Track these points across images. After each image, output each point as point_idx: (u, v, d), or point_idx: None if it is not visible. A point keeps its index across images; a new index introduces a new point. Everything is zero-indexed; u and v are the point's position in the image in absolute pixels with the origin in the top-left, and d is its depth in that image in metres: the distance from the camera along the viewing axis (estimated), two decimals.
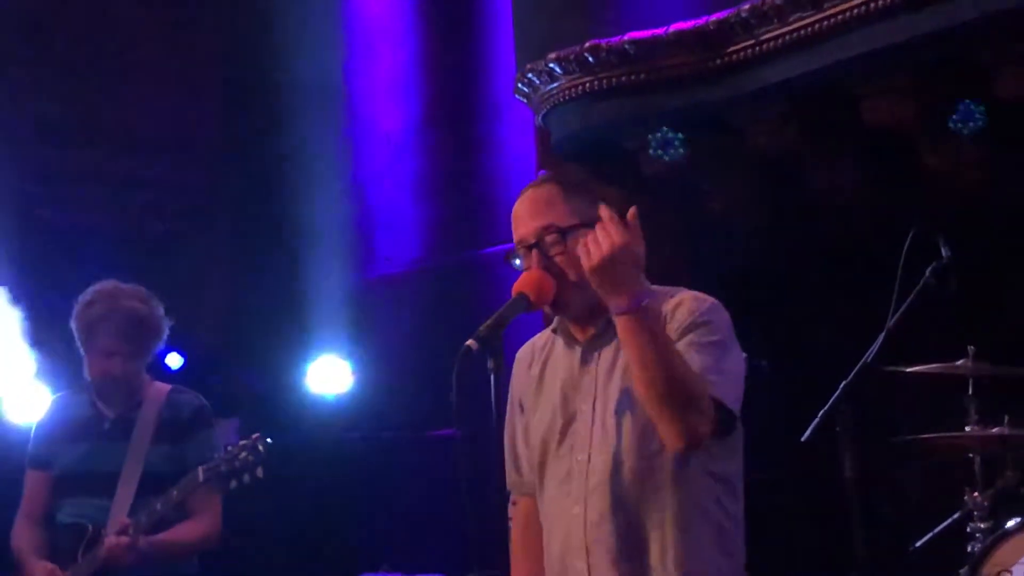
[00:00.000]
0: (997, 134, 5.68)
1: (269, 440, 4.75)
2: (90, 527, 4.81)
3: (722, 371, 3.28)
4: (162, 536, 4.75)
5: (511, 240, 3.48)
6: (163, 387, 5.03)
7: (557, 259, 3.38)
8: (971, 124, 5.54)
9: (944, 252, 4.75)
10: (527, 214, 3.43)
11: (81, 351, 4.97)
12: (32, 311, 7.66)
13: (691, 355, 3.24)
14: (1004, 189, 5.86)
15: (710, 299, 3.41)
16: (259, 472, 4.71)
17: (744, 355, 3.41)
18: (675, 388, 3.16)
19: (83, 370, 5.05)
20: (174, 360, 7.56)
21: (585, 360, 3.44)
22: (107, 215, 8.88)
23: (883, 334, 4.70)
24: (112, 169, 8.83)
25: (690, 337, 3.29)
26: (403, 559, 6.81)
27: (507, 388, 3.35)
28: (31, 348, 7.52)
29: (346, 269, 8.41)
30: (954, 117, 5.55)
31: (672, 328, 3.32)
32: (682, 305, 3.36)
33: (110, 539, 4.65)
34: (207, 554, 5.06)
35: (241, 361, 8.31)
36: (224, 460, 4.72)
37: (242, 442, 4.74)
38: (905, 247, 4.66)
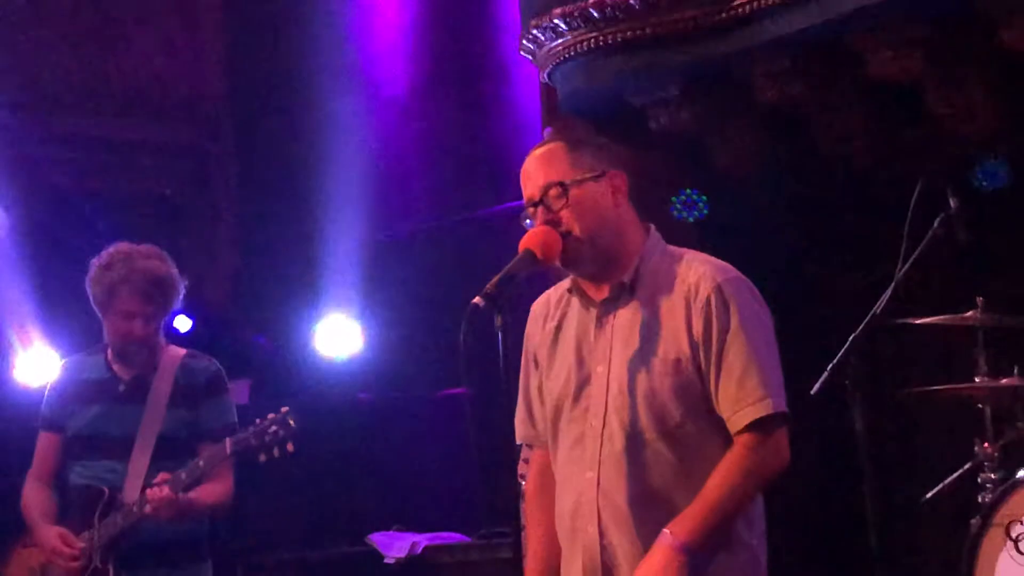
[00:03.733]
0: (1005, 84, 5.66)
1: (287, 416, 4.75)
2: (106, 490, 4.83)
3: (772, 377, 3.32)
4: (191, 495, 4.77)
5: (519, 198, 3.48)
6: (178, 351, 5.03)
7: (561, 214, 3.38)
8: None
9: (952, 203, 4.74)
10: (532, 173, 3.45)
11: (99, 314, 4.97)
12: (40, 276, 7.67)
13: (746, 368, 3.29)
14: (1013, 139, 5.84)
15: (731, 271, 3.41)
16: (290, 447, 4.72)
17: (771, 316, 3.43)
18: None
19: (94, 333, 5.06)
20: (183, 323, 7.56)
21: (601, 322, 3.44)
22: (114, 179, 8.87)
23: (892, 286, 4.70)
24: (118, 133, 8.82)
25: (733, 340, 3.31)
26: (414, 518, 6.84)
27: (516, 345, 3.35)
28: (40, 312, 7.54)
29: (355, 230, 8.40)
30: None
31: (698, 307, 3.33)
32: (704, 281, 3.36)
33: (154, 492, 4.66)
34: (219, 518, 5.09)
35: (251, 323, 8.31)
36: (254, 433, 4.72)
37: (271, 416, 4.74)
38: (913, 198, 4.65)
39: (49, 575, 4.89)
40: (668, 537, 3.23)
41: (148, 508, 4.68)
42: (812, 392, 4.61)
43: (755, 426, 3.28)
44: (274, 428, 4.71)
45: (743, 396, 3.28)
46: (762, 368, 3.30)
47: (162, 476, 4.69)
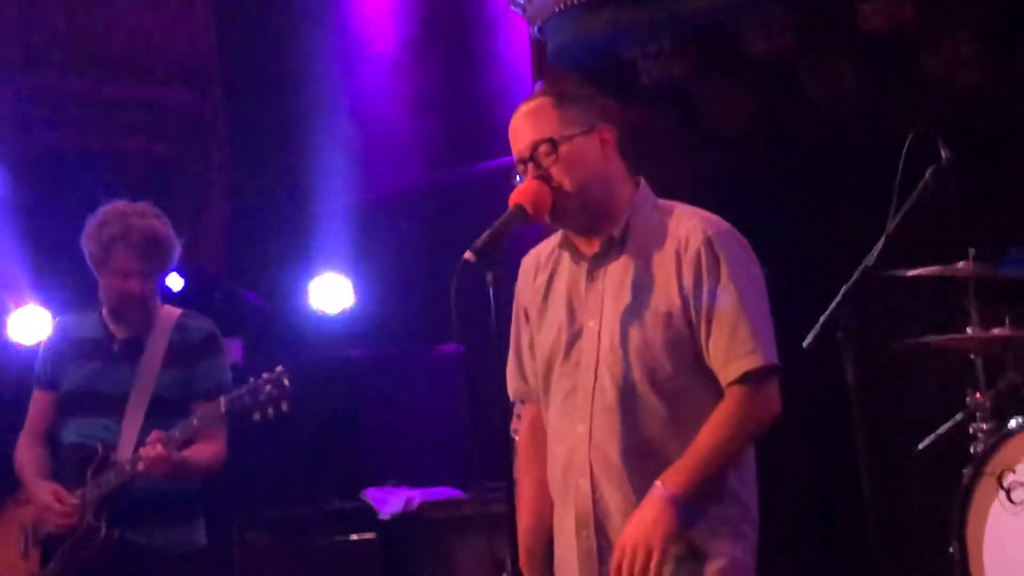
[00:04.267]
0: (995, 34, 5.65)
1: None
2: (100, 448, 4.84)
3: (762, 329, 3.33)
4: (184, 454, 4.78)
5: (509, 155, 3.48)
6: (173, 311, 5.03)
7: (552, 170, 3.38)
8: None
9: (944, 154, 4.72)
10: (521, 130, 3.45)
11: (94, 272, 4.96)
12: (32, 234, 7.67)
13: (737, 320, 3.29)
14: (1004, 90, 5.83)
15: (721, 224, 3.42)
16: (284, 406, 4.73)
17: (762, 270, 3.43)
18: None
19: (88, 292, 5.06)
20: (175, 282, 7.55)
21: (592, 276, 3.45)
22: (105, 138, 8.86)
23: (883, 238, 4.70)
24: (109, 92, 8.80)
25: (723, 292, 3.31)
26: (408, 473, 6.86)
27: (507, 300, 3.36)
28: (33, 271, 7.54)
29: (346, 187, 8.39)
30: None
31: (688, 260, 3.33)
32: (694, 235, 3.36)
33: (147, 450, 4.67)
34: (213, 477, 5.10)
35: (243, 281, 8.31)
36: (248, 392, 4.72)
37: (265, 375, 4.74)
38: (904, 150, 4.64)
39: (41, 532, 4.90)
40: (659, 489, 3.24)
41: (141, 466, 4.69)
42: (804, 345, 4.62)
43: (746, 378, 3.29)
44: (268, 387, 4.71)
45: (734, 348, 3.29)
46: (752, 320, 3.31)
47: (155, 434, 4.70)
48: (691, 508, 3.25)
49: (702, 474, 3.25)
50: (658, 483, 3.24)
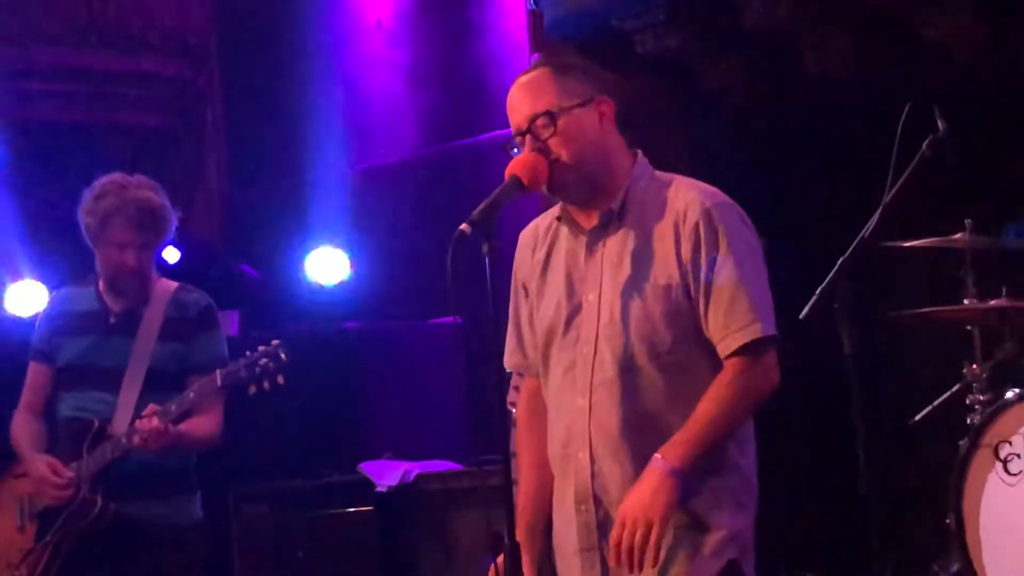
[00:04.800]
0: (992, 4, 5.63)
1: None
2: (96, 421, 4.84)
3: (761, 300, 3.32)
4: (181, 427, 4.78)
5: (506, 126, 3.47)
6: (170, 284, 5.03)
7: (550, 142, 3.37)
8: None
9: (941, 125, 4.71)
10: (519, 102, 3.43)
11: (91, 245, 4.95)
12: (28, 207, 7.66)
13: (735, 292, 3.29)
14: (1001, 60, 5.82)
15: (719, 196, 3.41)
16: (280, 379, 4.73)
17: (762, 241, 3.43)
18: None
19: (83, 265, 5.05)
20: (171, 254, 7.54)
21: (591, 249, 3.44)
22: (100, 111, 8.84)
23: (880, 209, 4.69)
24: (104, 64, 8.77)
25: (722, 264, 3.30)
26: (405, 447, 6.85)
27: (503, 272, 3.35)
28: (29, 244, 7.53)
29: (342, 159, 8.37)
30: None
31: (687, 232, 3.33)
32: (692, 206, 3.36)
33: (143, 423, 4.67)
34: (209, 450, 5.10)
35: (239, 254, 8.30)
36: (244, 366, 4.73)
37: (261, 348, 4.75)
38: (901, 120, 4.63)
39: (37, 505, 4.91)
40: (659, 462, 3.23)
41: (137, 439, 4.68)
42: (801, 316, 4.61)
43: (745, 350, 3.28)
44: (264, 360, 4.71)
45: (732, 320, 3.29)
46: (751, 292, 3.30)
47: (151, 408, 4.70)
48: (691, 480, 3.24)
49: (702, 446, 3.25)
50: (658, 455, 3.24)
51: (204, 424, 4.87)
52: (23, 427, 5.01)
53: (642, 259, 3.36)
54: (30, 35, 8.40)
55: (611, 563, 3.28)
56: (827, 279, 4.57)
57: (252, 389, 4.74)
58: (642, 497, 3.22)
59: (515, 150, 3.42)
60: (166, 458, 4.80)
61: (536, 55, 6.60)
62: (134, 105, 8.93)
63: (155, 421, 4.65)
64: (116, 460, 4.77)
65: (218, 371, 4.76)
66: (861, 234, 4.63)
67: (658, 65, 6.33)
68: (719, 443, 3.29)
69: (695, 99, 6.46)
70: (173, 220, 4.98)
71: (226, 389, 4.81)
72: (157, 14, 8.89)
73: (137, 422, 4.70)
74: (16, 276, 7.51)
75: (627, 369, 3.33)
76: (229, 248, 8.56)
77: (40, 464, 4.85)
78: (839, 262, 4.60)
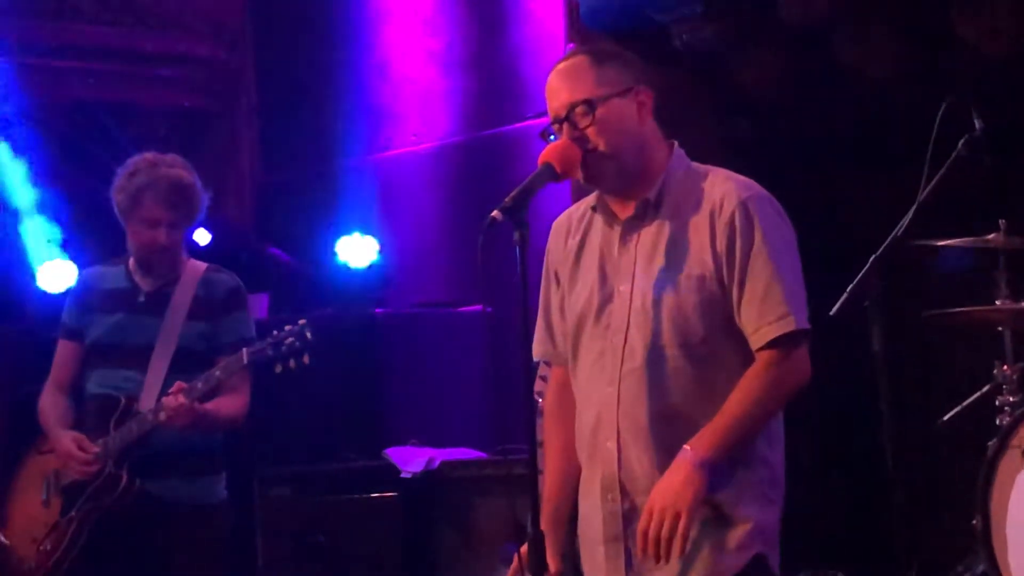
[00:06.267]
0: None
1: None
2: (123, 398, 4.85)
3: (795, 293, 3.31)
4: (207, 406, 4.79)
5: (540, 114, 3.46)
6: (200, 265, 5.05)
7: (587, 131, 3.36)
8: None
9: (977, 124, 4.69)
10: (557, 89, 3.42)
11: (122, 223, 4.98)
12: (63, 187, 7.69)
13: (770, 284, 3.28)
14: None
15: (755, 188, 3.40)
16: (305, 359, 4.74)
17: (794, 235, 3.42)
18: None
19: (115, 245, 5.08)
20: (202, 236, 7.56)
21: (625, 240, 3.43)
22: (134, 91, 8.86)
23: (914, 207, 4.67)
24: (139, 45, 8.79)
25: (757, 256, 3.30)
26: (430, 433, 6.85)
27: (534, 261, 3.34)
28: (62, 222, 7.57)
29: (374, 144, 8.38)
30: None
31: (722, 224, 3.32)
32: (729, 198, 3.35)
33: (170, 399, 4.69)
34: (235, 431, 5.11)
35: (270, 237, 8.32)
36: (270, 344, 4.74)
37: (288, 327, 4.76)
38: (937, 119, 4.61)
39: (63, 480, 4.93)
40: (688, 453, 3.22)
41: (163, 416, 4.70)
42: (832, 313, 4.60)
43: (777, 343, 3.27)
44: (290, 339, 4.72)
45: (765, 313, 3.28)
46: (785, 285, 3.29)
47: (178, 385, 4.71)
48: (719, 472, 3.23)
49: (731, 438, 3.24)
50: (687, 447, 3.23)
51: (230, 404, 4.89)
52: (50, 403, 5.04)
53: (676, 250, 3.35)
54: (66, 14, 8.42)
55: (637, 553, 3.28)
56: (859, 277, 4.56)
57: (278, 368, 4.75)
58: (670, 488, 3.21)
59: (552, 137, 3.41)
60: (192, 437, 4.82)
61: (571, 45, 6.58)
62: (168, 86, 8.95)
63: (181, 398, 4.67)
64: (142, 437, 4.79)
65: (244, 349, 4.77)
66: (894, 232, 4.62)
67: (693, 58, 6.31)
68: (749, 436, 3.28)
69: (730, 93, 6.44)
70: (204, 200, 5.00)
71: (252, 367, 4.82)
72: None
73: (163, 398, 4.72)
74: (49, 254, 7.55)
75: (657, 359, 3.32)
76: (260, 231, 8.58)
77: (66, 439, 4.88)
78: (871, 260, 4.58)
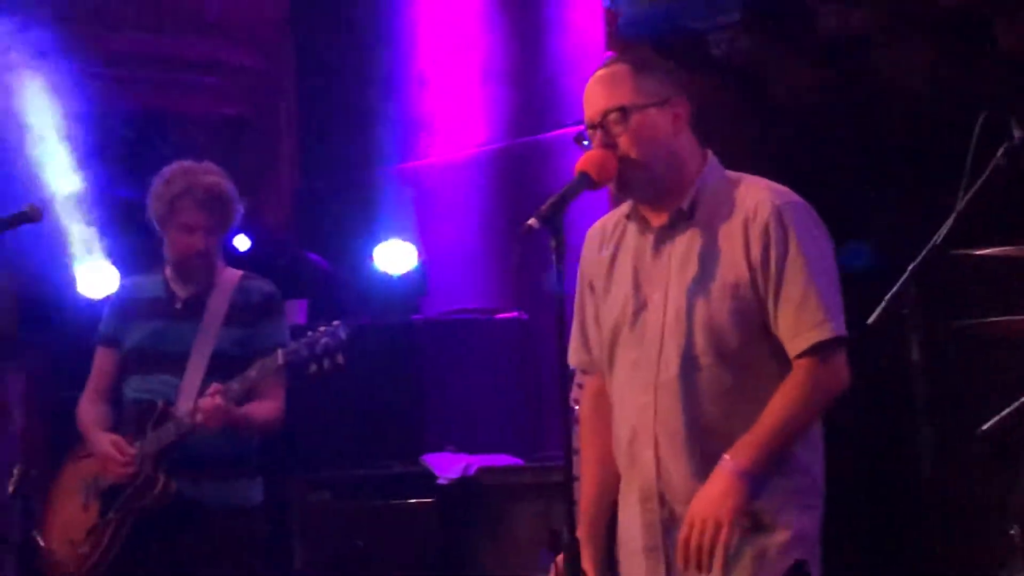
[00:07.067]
0: None
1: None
2: (160, 403, 4.89)
3: (831, 300, 3.32)
4: (243, 409, 4.83)
5: (578, 122, 3.47)
6: (235, 272, 5.11)
7: (620, 138, 3.36)
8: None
9: (1016, 133, 4.67)
10: (594, 96, 3.43)
11: (159, 231, 5.03)
12: (103, 194, 7.73)
13: (806, 292, 3.28)
14: None
15: (790, 195, 3.40)
16: (340, 359, 4.76)
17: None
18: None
19: (153, 251, 5.12)
20: (242, 242, 7.60)
21: (658, 248, 3.44)
22: (175, 99, 8.91)
23: (952, 217, 4.65)
24: (180, 52, 8.84)
25: (792, 263, 3.30)
26: (467, 440, 6.87)
27: (570, 268, 3.35)
28: (102, 228, 7.61)
29: (413, 152, 8.40)
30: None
31: (756, 232, 3.32)
32: (763, 205, 3.34)
33: (205, 401, 4.73)
34: (273, 436, 5.14)
35: (309, 243, 8.35)
36: (305, 345, 4.77)
37: (322, 328, 4.79)
38: (976, 128, 4.59)
39: (101, 484, 4.97)
40: (728, 463, 3.22)
41: (199, 417, 4.74)
42: (869, 322, 4.59)
43: (814, 350, 3.27)
44: (325, 340, 4.75)
45: (802, 320, 3.28)
46: (821, 292, 3.29)
47: (215, 387, 4.75)
48: (759, 481, 3.23)
49: (770, 447, 3.24)
50: (726, 456, 3.23)
51: (265, 409, 4.93)
52: (89, 409, 5.09)
53: (710, 258, 3.35)
54: (104, 21, 8.47)
55: (679, 563, 3.27)
56: (897, 286, 4.54)
57: (313, 368, 4.77)
58: (711, 498, 3.21)
59: (586, 142, 3.42)
60: (228, 440, 4.86)
61: (610, 54, 6.59)
62: (207, 94, 9.00)
63: (217, 400, 4.71)
64: (178, 440, 4.83)
65: (280, 350, 4.80)
66: (932, 241, 4.60)
67: (731, 67, 6.31)
68: (788, 445, 3.28)
69: (767, 102, 6.43)
70: (239, 206, 5.06)
71: (288, 368, 4.84)
72: (233, 2, 8.95)
73: (200, 400, 4.75)
74: (89, 259, 7.60)
75: (692, 368, 3.32)
76: (299, 238, 8.61)
77: (105, 441, 4.93)
78: (909, 269, 4.56)
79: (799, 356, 3.29)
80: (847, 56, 6.12)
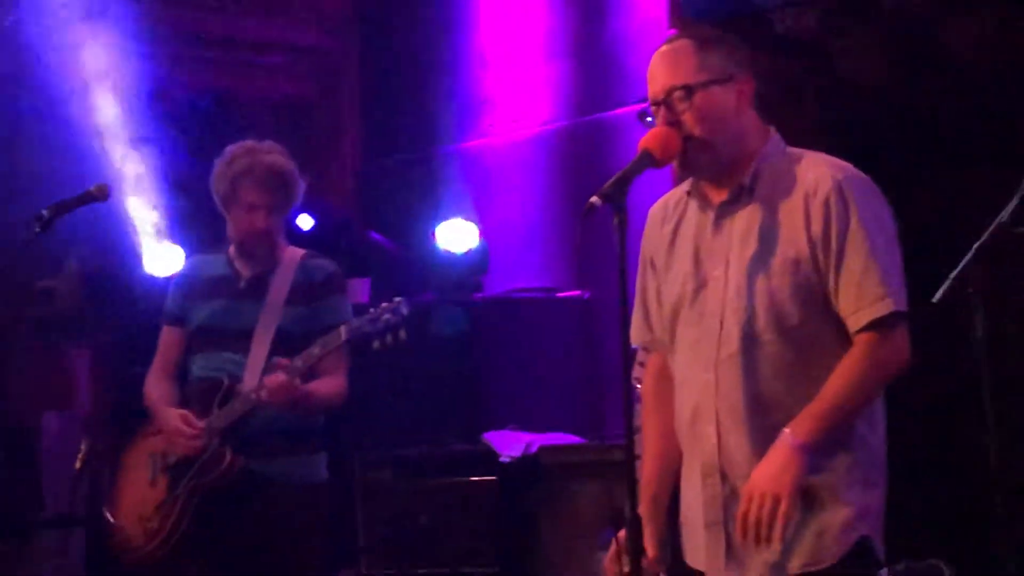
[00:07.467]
0: None
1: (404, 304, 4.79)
2: (225, 379, 4.94)
3: (892, 275, 3.29)
4: (307, 386, 4.86)
5: (642, 100, 3.46)
6: (297, 251, 5.13)
7: (683, 116, 3.35)
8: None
9: None
10: (658, 72, 3.41)
11: (222, 210, 5.07)
12: (169, 175, 7.80)
13: (866, 266, 3.26)
14: None
15: (850, 170, 3.37)
16: (402, 334, 4.77)
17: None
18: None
19: (217, 231, 5.16)
20: (305, 221, 7.65)
21: (718, 224, 3.42)
22: (240, 79, 8.96)
23: (1019, 194, 4.61)
24: (245, 33, 8.89)
25: (853, 238, 3.28)
26: (529, 418, 6.88)
27: (633, 246, 3.34)
28: (168, 208, 7.68)
29: (474, 131, 8.41)
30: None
31: (817, 206, 3.30)
32: (823, 180, 3.33)
33: (273, 377, 4.76)
34: (336, 414, 5.17)
35: (371, 223, 8.38)
36: (368, 321, 4.79)
37: (384, 304, 4.81)
38: None
39: (169, 460, 5.01)
40: (787, 437, 3.22)
41: (264, 393, 4.77)
42: (934, 300, 4.56)
43: (875, 325, 3.25)
44: (387, 316, 4.76)
45: (863, 295, 3.26)
46: (882, 266, 3.27)
47: (280, 361, 4.78)
48: (819, 455, 3.22)
49: (831, 422, 3.23)
50: (786, 431, 3.22)
51: (329, 385, 4.95)
52: (156, 387, 5.14)
53: (770, 234, 3.33)
54: (170, 2, 8.52)
55: (738, 537, 3.27)
56: (962, 263, 4.51)
57: (376, 344, 4.79)
58: (770, 471, 3.21)
59: (650, 119, 3.41)
60: (293, 417, 4.89)
61: (673, 31, 6.57)
62: (272, 73, 9.05)
63: (283, 376, 4.74)
64: (244, 416, 4.87)
65: (342, 326, 4.82)
66: (998, 219, 4.56)
67: (795, 44, 6.27)
68: (848, 420, 3.27)
69: (831, 78, 6.39)
70: (301, 185, 5.09)
71: (350, 345, 4.86)
72: None
73: (265, 377, 4.79)
74: (157, 239, 7.67)
75: (753, 344, 3.31)
76: (362, 217, 8.65)
77: (173, 416, 4.97)
78: (975, 247, 4.53)
79: (859, 331, 3.27)
80: (913, 31, 6.07)
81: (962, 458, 5.80)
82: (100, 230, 7.49)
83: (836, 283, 3.29)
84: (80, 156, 7.61)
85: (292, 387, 4.76)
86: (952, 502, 6.31)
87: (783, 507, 3.18)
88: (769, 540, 3.19)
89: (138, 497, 5.09)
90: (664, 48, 3.44)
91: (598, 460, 6.35)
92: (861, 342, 3.27)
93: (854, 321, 3.27)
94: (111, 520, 5.19)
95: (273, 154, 5.04)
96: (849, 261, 3.28)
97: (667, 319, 3.50)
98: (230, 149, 5.07)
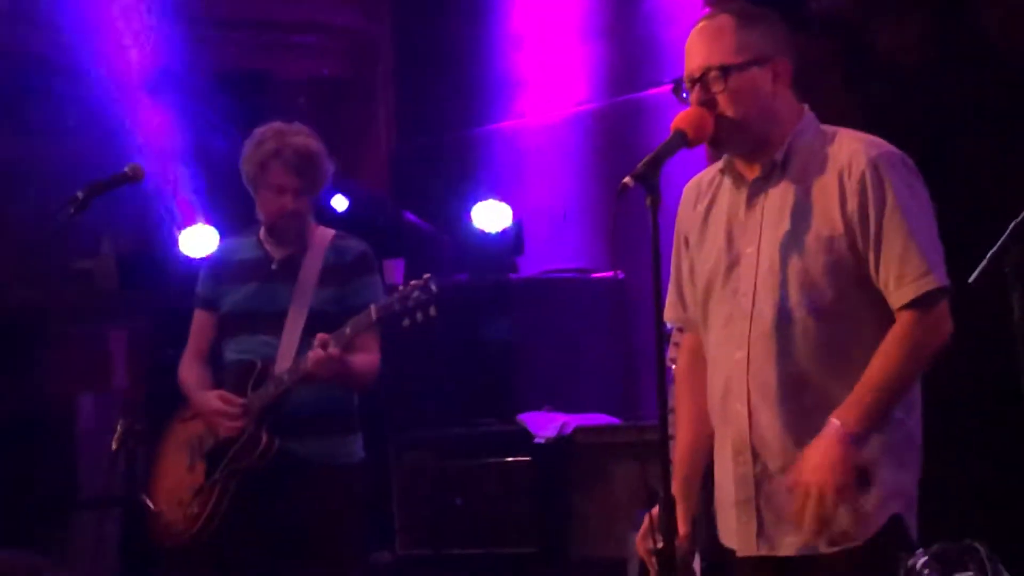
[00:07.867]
0: None
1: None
2: (259, 362, 4.94)
3: (932, 251, 3.28)
4: (347, 357, 4.86)
5: (676, 80, 3.43)
6: (328, 232, 5.13)
7: (718, 96, 3.33)
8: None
9: None
10: (696, 48, 3.40)
11: (251, 192, 5.07)
12: (201, 154, 7.81)
13: (907, 243, 3.24)
14: None
15: (885, 146, 3.35)
16: (432, 311, 4.77)
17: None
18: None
19: (250, 212, 5.17)
20: (339, 202, 7.65)
21: (751, 201, 3.41)
22: (274, 60, 8.97)
23: None
24: (278, 13, 8.89)
25: (892, 215, 3.26)
26: (563, 399, 6.88)
27: (666, 226, 3.33)
28: (202, 189, 7.70)
29: (508, 111, 8.40)
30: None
31: (852, 184, 3.28)
32: (857, 157, 3.30)
33: (315, 352, 4.76)
34: (371, 395, 5.18)
35: (405, 203, 8.38)
36: (397, 299, 4.79)
37: (413, 282, 4.80)
38: None
39: (206, 445, 5.03)
40: (838, 427, 3.19)
41: (310, 364, 4.77)
42: (970, 281, 4.53)
43: (918, 301, 3.24)
44: (416, 294, 4.75)
45: (905, 272, 3.24)
46: (922, 242, 3.25)
47: (321, 337, 4.78)
48: (865, 441, 3.21)
49: (879, 408, 3.22)
50: (835, 421, 3.20)
51: (363, 359, 4.96)
52: (190, 372, 5.15)
53: (804, 211, 3.32)
54: None
55: (806, 532, 3.25)
56: (999, 243, 4.47)
57: (406, 322, 4.79)
58: (824, 465, 3.19)
59: (684, 94, 3.39)
60: (328, 397, 4.90)
61: (707, 10, 6.54)
62: (306, 54, 9.05)
63: (320, 352, 4.74)
64: (279, 398, 4.88)
65: (372, 306, 4.82)
66: None
67: (831, 23, 6.23)
68: (895, 402, 3.25)
69: (867, 58, 6.34)
70: (330, 166, 5.09)
71: (381, 325, 4.86)
72: None
73: (309, 352, 4.79)
74: (191, 220, 7.69)
75: (785, 322, 3.30)
76: (396, 198, 8.65)
77: (211, 398, 4.99)
78: (1011, 226, 4.50)
79: (903, 308, 3.25)
80: (949, 10, 6.03)
81: (1000, 442, 5.77)
82: (135, 212, 7.52)
83: (876, 261, 3.27)
84: (114, 137, 7.63)
85: (336, 359, 4.76)
86: (990, 484, 6.28)
87: (845, 501, 3.17)
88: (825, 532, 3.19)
89: (176, 483, 5.11)
90: (703, 23, 3.42)
91: (633, 441, 6.34)
92: (904, 319, 3.25)
93: (897, 298, 3.25)
94: (151, 507, 5.21)
95: (301, 136, 5.04)
96: (889, 239, 3.25)
97: (700, 297, 3.50)
98: (259, 131, 5.07)
